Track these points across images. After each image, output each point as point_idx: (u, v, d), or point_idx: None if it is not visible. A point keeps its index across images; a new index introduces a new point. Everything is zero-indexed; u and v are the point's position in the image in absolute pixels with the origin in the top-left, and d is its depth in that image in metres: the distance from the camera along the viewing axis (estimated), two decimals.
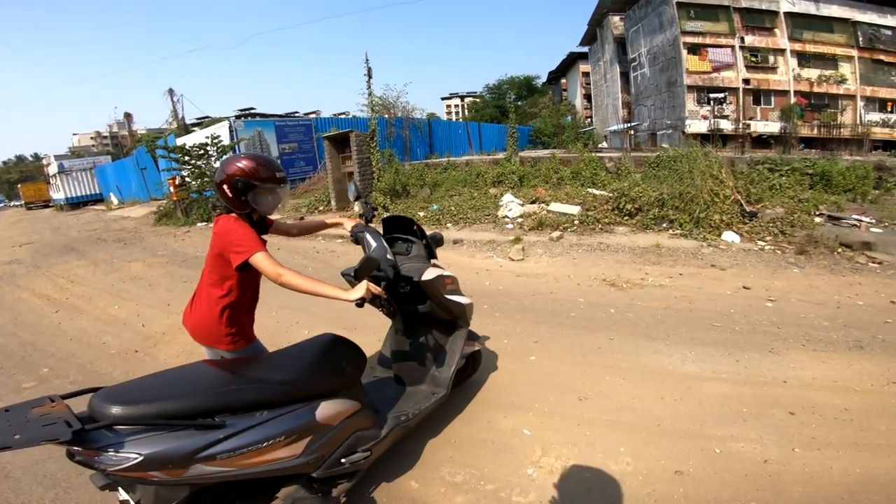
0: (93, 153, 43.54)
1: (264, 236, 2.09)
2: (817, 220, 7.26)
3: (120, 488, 1.47)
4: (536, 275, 5.44)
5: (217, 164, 12.14)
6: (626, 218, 7.49)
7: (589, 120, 37.71)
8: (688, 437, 2.44)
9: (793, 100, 23.59)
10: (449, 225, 8.12)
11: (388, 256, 2.19)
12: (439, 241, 2.67)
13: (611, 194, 8.16)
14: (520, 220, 7.92)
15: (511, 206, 8.38)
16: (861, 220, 7.31)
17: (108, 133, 68.40)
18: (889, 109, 24.39)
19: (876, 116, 24.05)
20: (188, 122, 27.62)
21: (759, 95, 24.22)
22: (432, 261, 2.60)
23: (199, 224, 11.09)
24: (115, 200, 23.24)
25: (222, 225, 1.90)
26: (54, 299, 6.12)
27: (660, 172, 9.91)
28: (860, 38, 23.74)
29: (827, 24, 23.82)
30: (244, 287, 1.98)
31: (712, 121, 23.62)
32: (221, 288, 1.93)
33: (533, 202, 8.76)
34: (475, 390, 3.00)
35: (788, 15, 23.66)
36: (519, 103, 37.94)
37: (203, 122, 26.03)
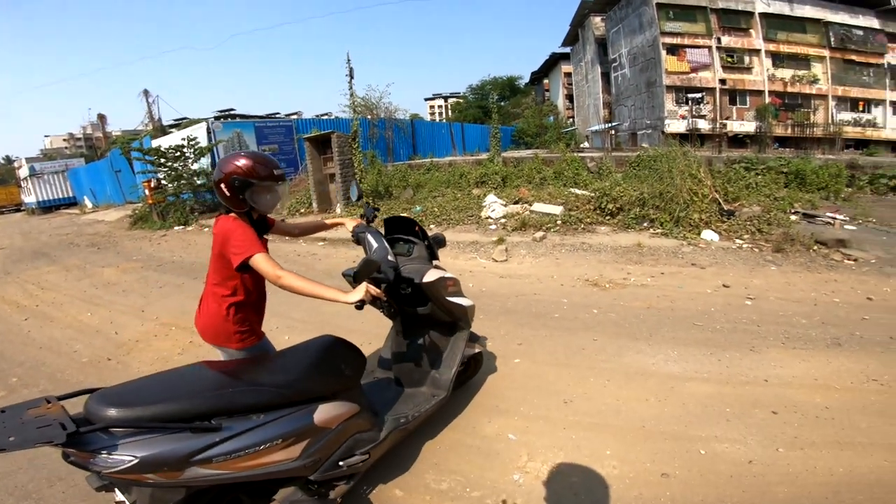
0: (66, 155, 42.38)
1: (266, 236, 2.08)
2: (793, 218, 7.42)
3: (116, 489, 1.46)
4: (520, 276, 5.43)
5: (194, 167, 11.93)
6: (607, 217, 7.55)
7: (571, 120, 38.07)
8: (673, 439, 2.44)
9: (767, 100, 24.17)
10: (432, 226, 8.07)
11: (390, 257, 2.16)
12: (441, 243, 2.66)
13: (593, 194, 8.22)
14: (503, 220, 7.92)
15: (494, 206, 8.37)
16: (835, 218, 7.49)
17: (82, 135, 66.42)
18: (860, 109, 25.18)
19: (847, 116, 24.80)
20: (166, 123, 27.10)
21: (735, 95, 24.76)
22: (434, 262, 2.58)
23: (175, 228, 10.82)
24: (88, 204, 22.64)
25: (222, 225, 1.88)
26: (24, 306, 5.90)
27: (640, 172, 10.01)
28: (832, 39, 24.44)
29: (800, 24, 24.47)
30: (250, 285, 1.97)
31: (690, 120, 24.07)
32: (226, 287, 1.92)
33: (516, 202, 8.77)
34: (459, 394, 2.96)
35: (763, 16, 24.23)
36: (502, 104, 38.06)
37: (181, 124, 25.51)
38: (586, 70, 34.21)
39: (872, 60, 25.01)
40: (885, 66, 25.05)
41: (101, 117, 37.67)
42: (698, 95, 24.43)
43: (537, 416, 2.69)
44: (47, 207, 25.40)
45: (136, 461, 1.34)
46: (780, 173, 10.56)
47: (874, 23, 24.95)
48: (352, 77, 11.73)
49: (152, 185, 11.68)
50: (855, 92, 24.91)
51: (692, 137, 21.34)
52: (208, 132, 12.90)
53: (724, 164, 11.61)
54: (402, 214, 2.93)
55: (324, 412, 1.79)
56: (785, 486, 2.08)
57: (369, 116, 18.89)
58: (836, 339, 3.49)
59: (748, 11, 24.25)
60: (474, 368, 2.99)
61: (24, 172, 26.23)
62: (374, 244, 2.21)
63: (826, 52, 24.54)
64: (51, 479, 2.40)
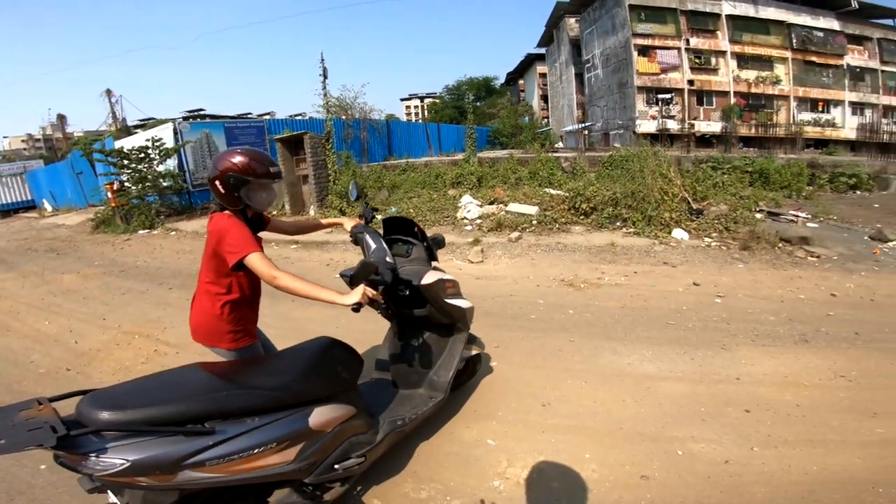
0: (24, 157, 40.44)
1: (260, 234, 2.05)
2: (758, 216, 7.65)
3: (108, 492, 1.45)
4: (496, 277, 5.42)
5: (160, 168, 11.53)
6: (581, 217, 7.63)
7: (546, 120, 38.49)
8: (650, 440, 2.45)
9: (732, 100, 24.96)
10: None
11: (388, 259, 2.13)
12: (441, 244, 2.64)
13: (567, 194, 8.29)
14: (479, 221, 7.90)
15: (470, 207, 8.35)
16: (798, 216, 7.76)
17: (41, 136, 63.58)
18: (820, 109, 26.26)
19: (807, 116, 25.84)
20: (131, 124, 26.13)
21: (702, 96, 25.48)
22: (433, 263, 2.56)
23: (140, 231, 10.40)
24: (48, 207, 21.62)
25: (216, 223, 1.84)
26: None
27: (613, 172, 10.17)
28: (794, 40, 25.41)
29: (764, 26, 25.35)
30: (244, 284, 1.94)
31: (660, 121, 24.65)
32: (220, 285, 1.89)
33: (491, 203, 8.77)
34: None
35: (730, 17, 24.99)
36: (478, 104, 38.18)
37: (147, 124, 24.65)
38: (561, 71, 34.66)
39: (832, 62, 26.14)
40: (844, 66, 26.22)
41: (61, 118, 36.20)
42: (668, 96, 25.06)
43: (516, 420, 2.67)
44: (4, 211, 24.12)
45: (127, 465, 1.33)
46: (745, 172, 10.90)
47: (834, 24, 26.07)
48: (325, 77, 11.54)
49: (115, 187, 11.22)
50: (815, 93, 25.97)
51: (662, 137, 21.84)
52: (175, 133, 12.46)
53: (693, 163, 11.93)
54: (401, 215, 2.88)
55: (319, 415, 1.77)
56: (761, 486, 2.11)
57: (344, 117, 18.63)
58: (803, 336, 3.59)
59: (715, 13, 24.99)
60: (472, 370, 2.97)
61: None
62: (373, 245, 2.19)
63: (788, 54, 25.51)
64: (11, 493, 2.25)
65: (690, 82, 24.91)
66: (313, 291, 1.71)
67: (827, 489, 2.07)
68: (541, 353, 3.49)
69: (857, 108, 26.54)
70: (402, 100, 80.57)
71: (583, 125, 29.62)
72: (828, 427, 2.50)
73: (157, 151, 11.42)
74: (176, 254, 7.85)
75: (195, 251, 7.86)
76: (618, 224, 7.28)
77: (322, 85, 11.71)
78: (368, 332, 3.19)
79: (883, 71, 26.93)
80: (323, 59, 11.40)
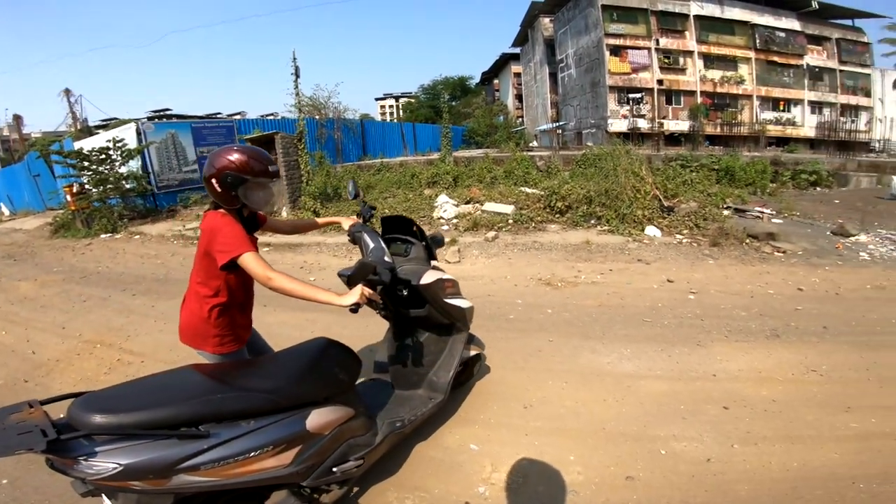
0: None
1: (256, 233, 2.01)
2: (725, 212, 7.85)
3: (102, 495, 1.43)
4: (473, 277, 5.37)
5: (122, 170, 11.09)
6: (557, 216, 7.68)
7: (520, 120, 38.80)
8: (633, 440, 2.45)
9: (699, 100, 25.69)
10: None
11: (386, 258, 2.10)
12: (440, 243, 2.62)
13: (542, 193, 8.34)
14: (455, 220, 7.86)
15: (446, 206, 8.30)
16: (763, 212, 8.02)
17: None
18: (781, 108, 27.30)
19: (770, 115, 26.83)
20: (93, 124, 25.05)
21: (671, 95, 26.15)
22: (432, 262, 2.53)
23: (102, 236, 9.94)
24: (5, 211, 20.55)
25: (209, 221, 1.79)
26: None
27: (587, 170, 10.30)
28: (757, 41, 26.33)
29: (729, 26, 26.18)
30: (234, 286, 1.87)
31: (631, 120, 25.19)
32: (209, 287, 1.83)
33: (467, 202, 8.74)
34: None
35: (697, 18, 25.71)
36: (453, 104, 38.20)
37: (109, 125, 23.68)
38: (535, 70, 34.99)
39: (792, 61, 27.20)
40: (804, 66, 27.33)
41: (17, 118, 34.40)
42: (638, 95, 25.61)
43: (498, 424, 2.63)
44: None
45: (119, 469, 1.31)
46: (712, 170, 11.22)
47: (795, 25, 27.14)
48: (298, 76, 11.29)
49: (75, 190, 10.71)
50: (777, 92, 26.99)
51: (633, 136, 22.29)
52: (138, 133, 11.98)
53: (663, 161, 12.22)
54: (401, 214, 2.83)
55: (317, 418, 1.74)
56: (745, 484, 2.12)
57: (317, 116, 18.33)
58: (774, 331, 3.67)
59: (684, 14, 25.67)
60: (472, 371, 2.94)
61: None
62: (371, 244, 2.16)
63: (751, 54, 26.42)
64: None
65: (660, 82, 25.51)
66: (310, 292, 1.67)
67: (809, 486, 2.09)
68: (521, 354, 3.46)
69: (816, 107, 27.71)
70: (377, 99, 79.88)
71: (556, 124, 29.99)
72: (804, 422, 2.54)
73: (119, 152, 10.96)
74: (140, 258, 7.53)
75: (160, 255, 7.57)
76: (592, 222, 7.35)
77: (294, 84, 11.47)
78: (346, 338, 3.09)
79: (841, 70, 28.18)
80: (295, 58, 11.16)
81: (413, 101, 51.95)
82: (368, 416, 2.07)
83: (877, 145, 26.62)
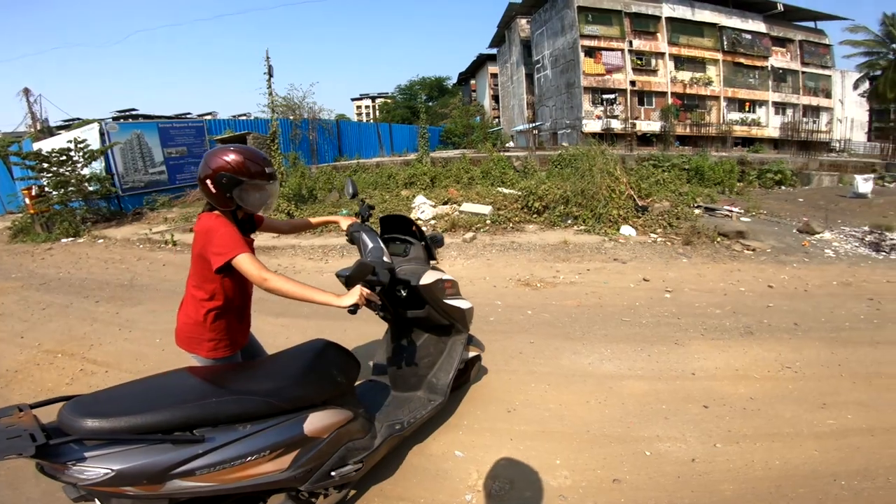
0: None
1: (253, 234, 1.99)
2: (696, 211, 8.03)
3: (95, 500, 1.39)
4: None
5: (84, 172, 10.64)
6: (534, 216, 7.71)
7: (497, 120, 39.04)
8: (618, 442, 2.44)
9: (670, 100, 26.35)
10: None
11: (385, 258, 2.05)
12: (440, 242, 2.58)
13: (519, 193, 8.36)
14: (433, 221, 7.81)
15: (423, 207, 8.24)
16: (732, 211, 8.23)
17: None
18: (746, 109, 28.24)
19: (736, 115, 27.72)
20: (54, 124, 23.94)
21: (643, 96, 26.74)
22: (431, 262, 2.50)
23: (63, 240, 9.50)
24: None
25: (203, 223, 1.75)
26: None
27: (563, 170, 10.39)
28: (725, 43, 27.16)
29: (699, 28, 26.93)
30: (230, 290, 1.83)
31: (605, 120, 25.63)
32: (204, 291, 1.79)
33: (445, 203, 8.70)
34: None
35: (669, 20, 26.35)
36: (430, 104, 38.23)
37: (72, 125, 22.71)
38: (512, 71, 35.25)
39: (758, 63, 28.16)
40: (769, 68, 28.33)
41: None
42: (612, 96, 26.10)
43: (482, 429, 2.59)
44: None
45: (112, 474, 1.29)
46: (682, 170, 11.50)
47: (761, 27, 28.10)
48: (271, 75, 11.07)
49: (34, 192, 10.21)
50: (742, 93, 27.90)
51: (607, 137, 22.69)
52: (101, 133, 11.50)
53: (636, 161, 12.46)
54: (400, 213, 2.78)
55: (315, 421, 1.71)
56: (730, 484, 2.13)
57: (291, 117, 18.00)
58: (747, 328, 3.75)
59: (656, 16, 26.27)
60: (471, 373, 2.91)
61: None
62: (370, 244, 2.11)
63: (719, 56, 27.23)
64: None
65: (633, 83, 26.06)
66: (307, 293, 1.64)
67: (792, 484, 2.11)
68: (502, 357, 3.43)
69: (780, 107, 28.79)
70: (353, 99, 79.12)
71: (533, 125, 30.28)
72: (782, 420, 2.57)
73: (81, 153, 10.50)
74: (104, 263, 7.21)
75: (126, 260, 7.27)
76: (569, 222, 7.41)
77: (267, 83, 11.23)
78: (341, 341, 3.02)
79: (803, 72, 29.34)
80: (268, 57, 10.94)
81: (389, 101, 51.73)
82: (367, 418, 2.04)
83: (837, 145, 27.79)
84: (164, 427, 1.40)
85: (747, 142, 25.86)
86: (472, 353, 2.75)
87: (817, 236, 6.74)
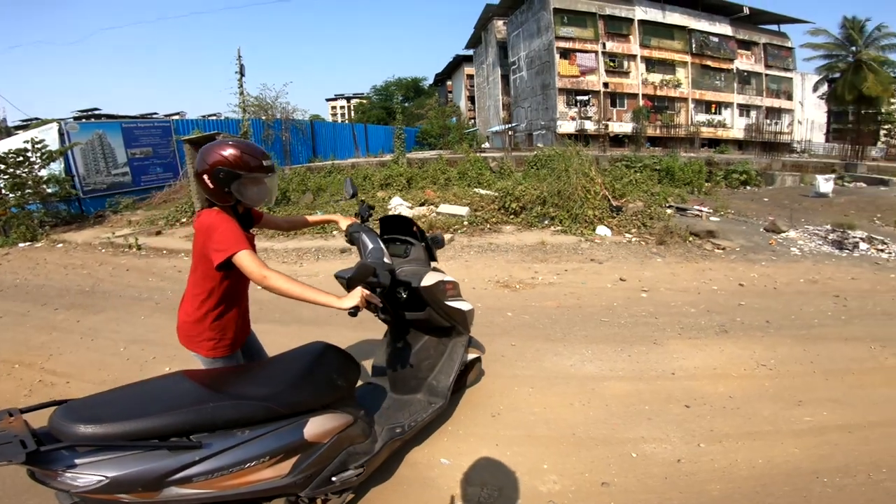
0: None
1: (252, 230, 1.98)
2: (668, 211, 8.21)
3: None
4: None
5: (42, 173, 10.14)
6: (511, 216, 7.73)
7: (472, 121, 39.18)
8: (604, 444, 2.43)
9: (641, 102, 26.96)
10: (335, 232, 7.62)
11: (385, 259, 2.03)
12: (440, 243, 2.55)
13: (496, 194, 8.38)
14: None
15: (400, 209, 8.16)
16: (702, 210, 8.45)
17: None
18: (713, 111, 29.15)
19: (703, 117, 28.57)
20: (11, 124, 22.80)
21: (615, 98, 27.29)
22: (432, 264, 2.46)
23: (20, 245, 9.00)
24: None
25: (204, 219, 1.73)
26: None
27: (539, 171, 10.47)
28: (693, 45, 27.95)
29: (669, 31, 27.64)
30: (230, 288, 1.81)
31: (579, 122, 26.03)
32: (203, 289, 1.78)
33: (422, 204, 8.64)
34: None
35: (641, 22, 26.95)
36: (406, 105, 38.02)
37: (30, 125, 21.61)
38: (488, 72, 35.42)
39: (724, 66, 29.10)
40: (734, 71, 29.31)
41: None
42: (585, 98, 26.51)
43: (467, 435, 2.54)
44: None
45: (106, 481, 1.25)
46: (654, 170, 11.76)
47: (728, 30, 29.05)
48: (242, 74, 10.80)
49: None
50: (709, 95, 28.80)
51: (580, 138, 23.04)
52: (60, 134, 10.96)
53: (609, 162, 12.67)
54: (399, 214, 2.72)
55: (315, 425, 1.68)
56: (716, 484, 2.14)
57: (264, 117, 17.58)
58: (722, 327, 3.82)
59: (629, 18, 26.83)
60: (471, 375, 2.89)
61: None
62: (370, 245, 2.08)
63: (688, 58, 28.02)
64: None
65: (605, 85, 26.55)
66: (308, 294, 1.61)
67: (776, 482, 2.14)
68: (484, 360, 3.37)
69: (744, 109, 29.86)
70: (328, 100, 78.05)
71: (508, 126, 30.48)
72: (761, 418, 2.61)
73: (39, 154, 10.00)
74: (63, 269, 6.85)
75: (87, 265, 6.93)
76: (546, 222, 7.45)
77: (239, 83, 10.94)
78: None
79: (766, 75, 30.48)
80: (240, 56, 10.66)
81: (365, 101, 51.27)
82: (367, 422, 2.01)
83: (797, 146, 29.02)
84: (159, 433, 1.37)
85: (714, 143, 26.68)
86: (472, 356, 2.72)
87: (783, 235, 6.98)
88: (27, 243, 9.10)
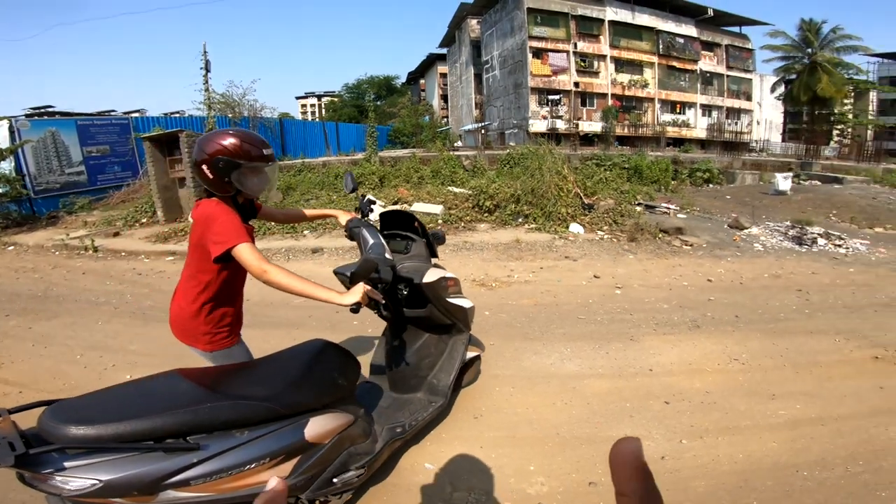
0: None
1: (252, 221, 1.93)
2: (638, 209, 8.40)
3: None
4: None
5: None
6: (486, 215, 7.73)
7: (445, 120, 39.09)
8: (588, 443, 2.42)
9: (610, 102, 27.50)
10: (306, 232, 7.43)
11: (387, 255, 1.97)
12: (441, 239, 2.52)
13: (470, 192, 8.36)
14: None
15: (373, 208, 8.02)
16: (670, 208, 8.67)
17: None
18: (677, 111, 30.02)
19: (668, 117, 29.39)
20: None
21: (585, 98, 27.70)
22: (433, 260, 2.43)
23: None
24: None
25: (203, 210, 1.69)
26: None
27: (513, 170, 10.51)
28: (661, 46, 28.64)
29: (638, 32, 28.19)
30: (226, 280, 1.76)
31: (550, 121, 26.32)
32: (198, 281, 1.73)
33: (395, 203, 8.54)
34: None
35: (612, 23, 27.41)
36: (378, 103, 37.57)
37: None
38: (461, 71, 35.39)
39: (688, 67, 29.93)
40: (698, 71, 30.22)
41: None
42: (557, 97, 26.83)
43: (451, 438, 2.48)
44: None
45: (100, 485, 1.21)
46: (623, 169, 11.99)
47: (693, 31, 29.86)
48: (208, 70, 10.38)
49: None
50: (674, 95, 29.59)
51: (552, 136, 23.30)
52: (11, 131, 10.31)
53: (580, 161, 12.84)
54: (400, 209, 2.65)
55: (316, 426, 1.65)
56: (700, 480, 2.15)
57: (230, 115, 16.99)
58: (694, 322, 3.89)
59: (600, 19, 27.26)
60: (473, 373, 2.86)
61: None
62: (371, 240, 2.04)
63: (655, 59, 28.68)
64: None
65: (576, 84, 26.93)
66: (309, 289, 1.55)
67: (758, 477, 2.16)
68: None
69: (707, 109, 30.83)
70: (298, 98, 76.19)
71: (481, 124, 30.56)
72: (738, 412, 2.65)
73: None
74: (14, 273, 6.43)
75: (39, 268, 6.52)
76: (520, 220, 7.48)
77: (204, 79, 10.52)
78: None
79: (728, 76, 31.52)
80: (206, 52, 10.24)
81: (337, 100, 50.46)
82: (368, 422, 1.98)
83: (756, 145, 30.18)
84: (155, 434, 1.33)
85: (678, 142, 27.46)
86: (471, 354, 2.67)
87: (746, 231, 7.23)
88: None
